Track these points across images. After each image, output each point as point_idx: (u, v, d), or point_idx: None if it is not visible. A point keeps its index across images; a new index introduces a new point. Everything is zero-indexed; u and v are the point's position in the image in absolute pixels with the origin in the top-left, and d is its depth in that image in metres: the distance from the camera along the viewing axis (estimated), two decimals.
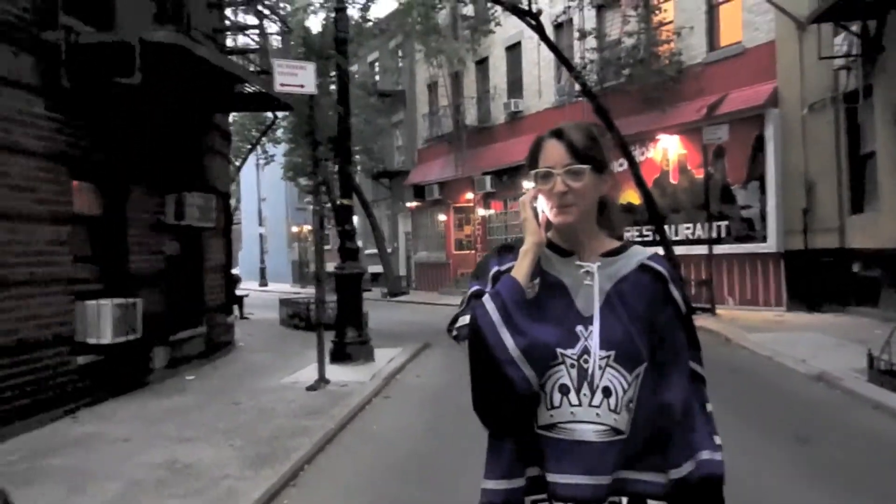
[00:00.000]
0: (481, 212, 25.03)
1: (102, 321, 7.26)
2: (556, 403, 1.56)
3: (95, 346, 7.33)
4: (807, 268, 14.27)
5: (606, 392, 1.56)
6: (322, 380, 8.44)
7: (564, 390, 1.56)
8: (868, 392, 7.23)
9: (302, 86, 8.25)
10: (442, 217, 27.67)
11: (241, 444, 5.99)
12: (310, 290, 23.50)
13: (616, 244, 1.69)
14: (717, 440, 1.63)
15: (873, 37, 12.13)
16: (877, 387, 7.26)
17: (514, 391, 1.52)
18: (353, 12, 17.52)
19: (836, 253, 13.76)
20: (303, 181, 25.80)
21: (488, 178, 23.39)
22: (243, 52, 9.73)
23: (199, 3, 8.38)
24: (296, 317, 15.93)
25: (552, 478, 1.55)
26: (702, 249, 15.13)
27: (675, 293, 1.65)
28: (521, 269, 1.59)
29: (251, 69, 10.23)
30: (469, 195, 25.29)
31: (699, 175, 15.67)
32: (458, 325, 1.64)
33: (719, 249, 15.36)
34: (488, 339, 1.52)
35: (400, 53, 29.81)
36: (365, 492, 5.14)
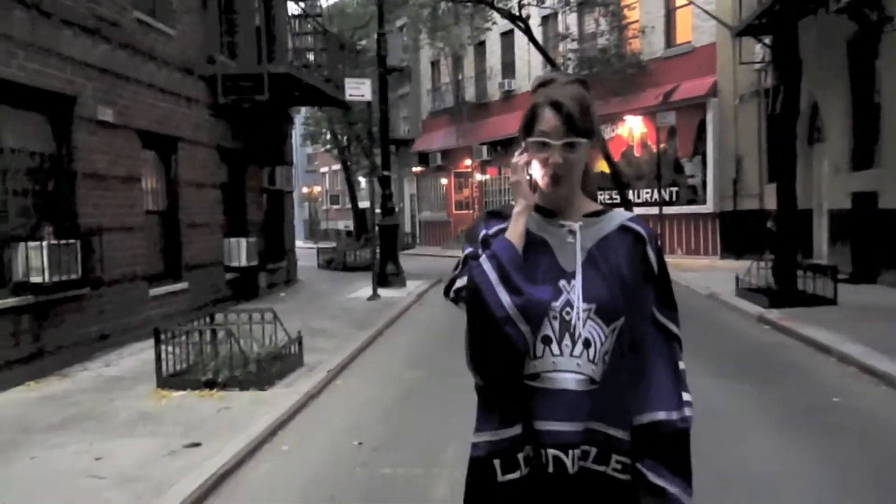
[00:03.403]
0: (478, 177, 28.46)
1: (240, 251, 11.27)
2: (539, 354, 1.60)
3: (235, 267, 11.35)
4: (735, 224, 18.28)
5: (587, 343, 1.60)
6: (376, 294, 12.47)
7: (547, 341, 1.60)
8: (732, 301, 11.31)
9: (363, 95, 12.11)
10: (443, 181, 31.21)
11: (343, 321, 10.07)
12: (321, 245, 27.65)
13: (597, 206, 1.74)
14: (686, 397, 1.67)
15: (781, 49, 15.89)
16: (739, 298, 11.35)
17: (512, 348, 1.56)
18: None
19: (756, 213, 17.76)
20: (333, 150, 29.51)
21: (485, 148, 26.67)
22: (315, 66, 13.50)
23: (283, 36, 12.15)
24: (333, 261, 20.00)
25: (539, 425, 1.59)
26: (657, 210, 19.07)
27: (651, 254, 1.69)
28: (514, 230, 1.62)
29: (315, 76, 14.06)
30: (468, 162, 28.62)
31: (657, 150, 19.54)
32: (455, 287, 1.67)
33: (671, 210, 19.31)
34: (487, 299, 1.56)
35: (404, 33, 33.05)
36: (418, 344, 9.16)
